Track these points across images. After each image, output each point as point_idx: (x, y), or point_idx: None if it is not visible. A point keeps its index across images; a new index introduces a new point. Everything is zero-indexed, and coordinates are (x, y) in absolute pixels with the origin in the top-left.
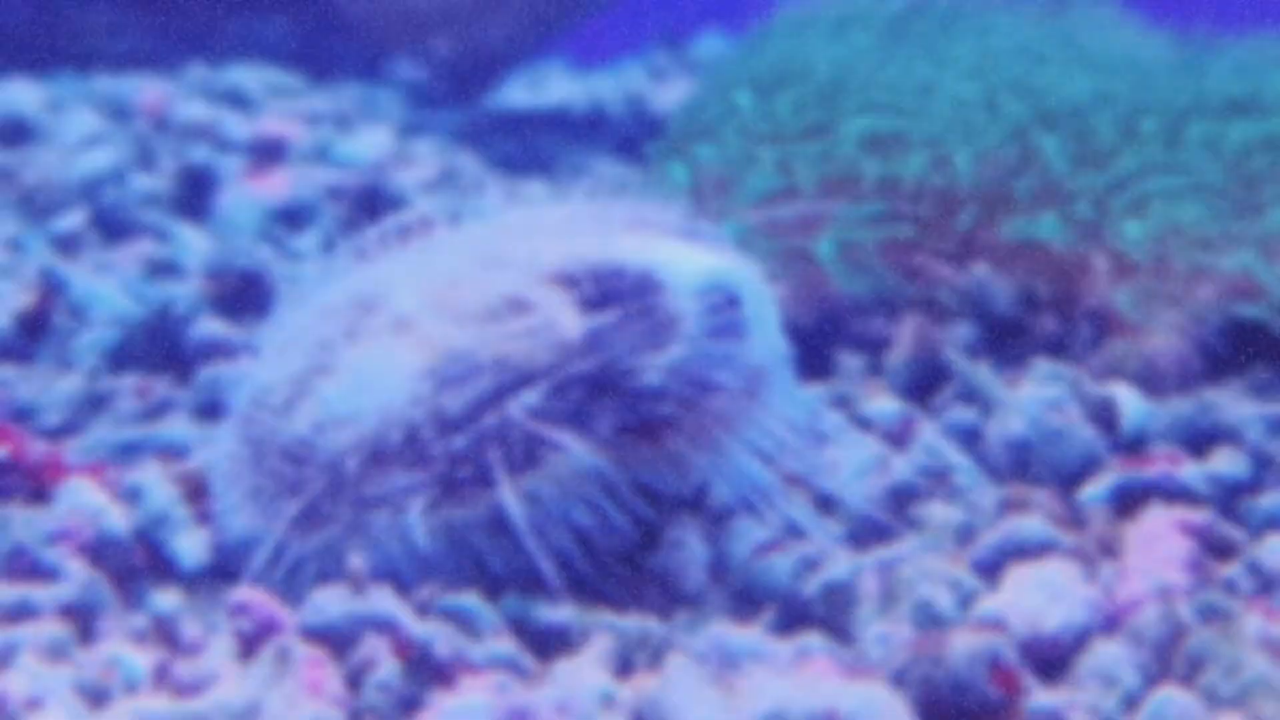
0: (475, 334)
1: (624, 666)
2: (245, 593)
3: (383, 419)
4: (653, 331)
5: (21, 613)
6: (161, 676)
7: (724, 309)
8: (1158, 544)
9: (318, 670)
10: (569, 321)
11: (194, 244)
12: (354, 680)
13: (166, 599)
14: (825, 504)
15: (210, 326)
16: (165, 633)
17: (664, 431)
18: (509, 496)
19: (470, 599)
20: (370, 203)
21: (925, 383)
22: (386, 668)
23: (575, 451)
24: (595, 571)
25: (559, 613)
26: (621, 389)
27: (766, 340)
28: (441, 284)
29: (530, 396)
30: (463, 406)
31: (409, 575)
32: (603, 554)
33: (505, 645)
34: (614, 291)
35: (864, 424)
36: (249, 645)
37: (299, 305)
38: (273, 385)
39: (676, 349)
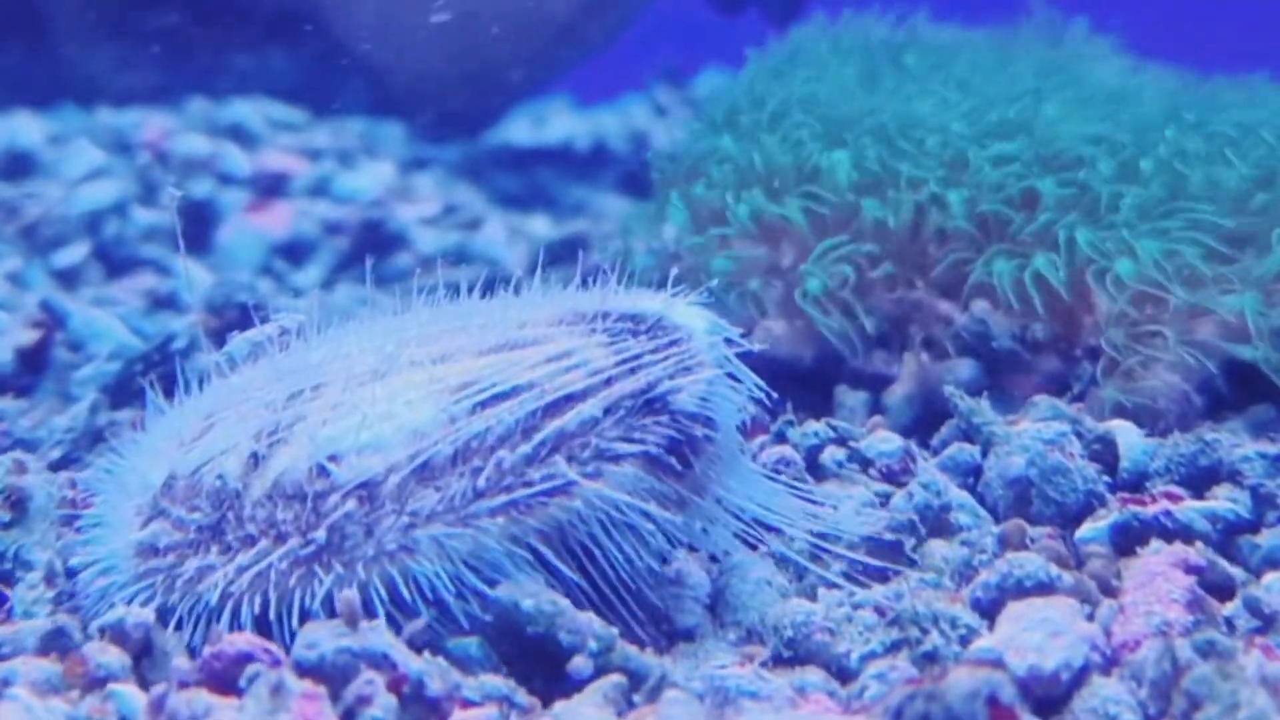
0: (500, 365)
1: (623, 703)
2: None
3: (417, 439)
4: (680, 361)
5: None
6: (156, 712)
7: (723, 349)
8: (1157, 582)
9: (312, 704)
10: (598, 351)
11: (195, 278)
12: (348, 717)
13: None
14: (825, 541)
15: (209, 360)
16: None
17: (693, 455)
18: (589, 496)
19: (470, 641)
20: (371, 238)
21: (926, 420)
22: (381, 703)
23: (629, 466)
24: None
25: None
26: (663, 409)
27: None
28: (431, 336)
29: (592, 410)
30: (515, 421)
31: (469, 584)
32: (641, 569)
33: (499, 680)
34: (635, 330)
35: (864, 461)
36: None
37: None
38: (224, 449)
39: (704, 377)
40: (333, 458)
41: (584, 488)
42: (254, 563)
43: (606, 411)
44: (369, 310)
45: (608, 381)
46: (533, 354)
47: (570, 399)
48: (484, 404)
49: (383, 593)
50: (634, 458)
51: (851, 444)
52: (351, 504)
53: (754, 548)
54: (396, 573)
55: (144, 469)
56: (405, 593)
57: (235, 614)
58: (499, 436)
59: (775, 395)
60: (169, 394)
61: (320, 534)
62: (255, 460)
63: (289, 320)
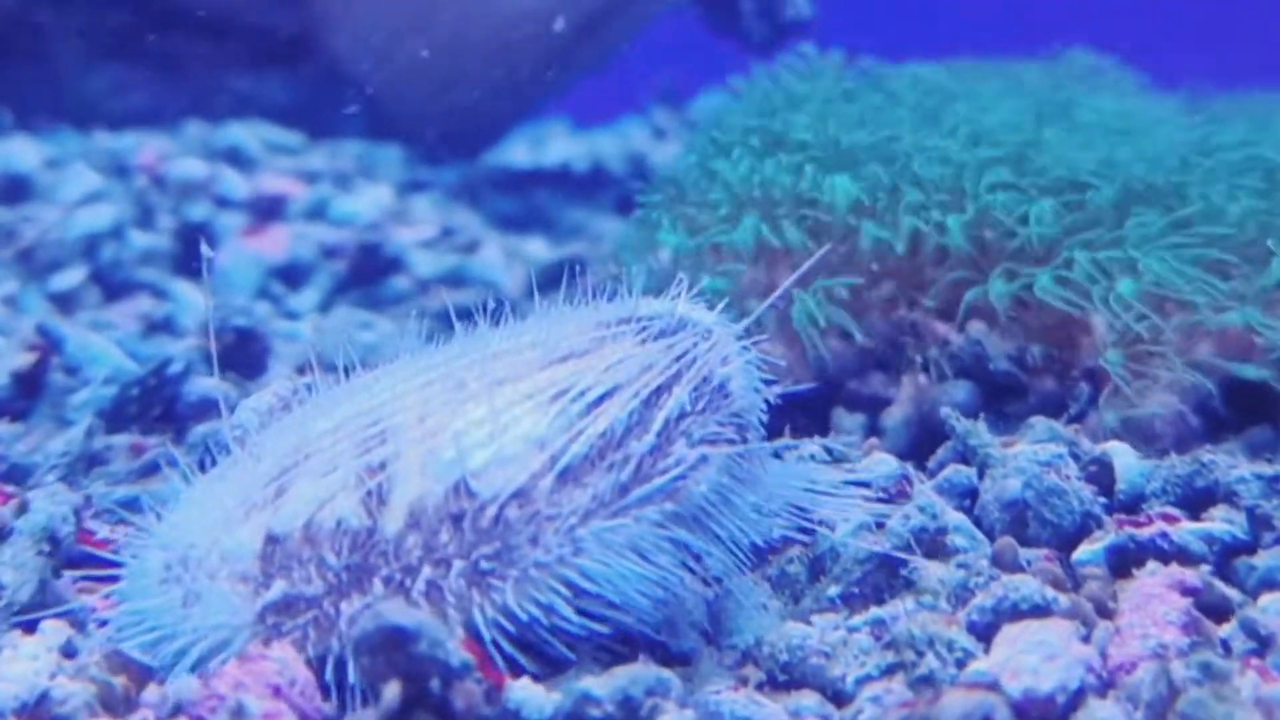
0: (576, 372)
1: None
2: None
3: (542, 447)
4: (717, 353)
5: None
6: None
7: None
8: (1153, 604)
9: None
10: (652, 351)
11: (191, 302)
12: None
13: None
14: (821, 563)
15: (206, 384)
16: None
17: (751, 436)
18: (718, 483)
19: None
20: (368, 261)
21: (923, 442)
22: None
23: (725, 448)
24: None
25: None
26: (728, 395)
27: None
28: (488, 358)
29: (681, 399)
30: (628, 416)
31: (628, 577)
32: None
33: None
34: (664, 331)
35: (861, 483)
36: None
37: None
38: (323, 499)
39: (741, 364)
40: (473, 474)
41: (704, 471)
42: (429, 589)
43: (695, 399)
44: (397, 352)
45: (677, 375)
46: (596, 360)
47: (657, 393)
48: (591, 405)
49: (564, 592)
50: (727, 440)
51: (847, 467)
52: (514, 511)
53: (752, 569)
54: (572, 573)
55: (218, 543)
56: (589, 588)
57: None
58: (623, 432)
59: (775, 406)
60: (168, 418)
61: (489, 548)
62: (375, 497)
63: (283, 387)
